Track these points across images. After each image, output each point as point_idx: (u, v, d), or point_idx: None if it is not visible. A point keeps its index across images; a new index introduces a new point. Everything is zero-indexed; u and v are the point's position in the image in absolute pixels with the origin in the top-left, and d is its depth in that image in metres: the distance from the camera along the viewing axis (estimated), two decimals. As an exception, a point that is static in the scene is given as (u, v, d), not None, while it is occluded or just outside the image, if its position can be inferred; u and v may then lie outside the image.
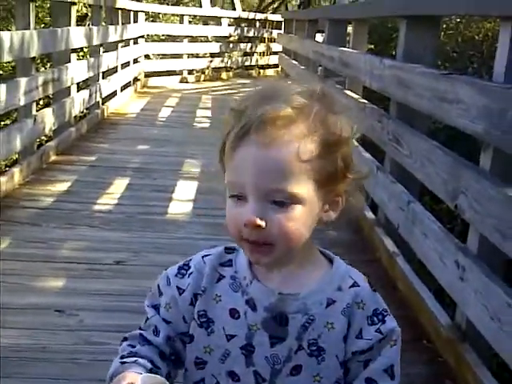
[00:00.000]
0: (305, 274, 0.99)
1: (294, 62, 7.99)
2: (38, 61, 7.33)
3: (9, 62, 6.98)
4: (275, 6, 17.67)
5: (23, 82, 4.31)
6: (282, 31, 11.44)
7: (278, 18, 13.43)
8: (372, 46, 7.09)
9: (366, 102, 4.03)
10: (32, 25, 4.55)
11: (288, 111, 0.90)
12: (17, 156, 4.93)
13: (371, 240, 3.49)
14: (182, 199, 4.22)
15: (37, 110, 4.79)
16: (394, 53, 6.96)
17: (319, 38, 7.85)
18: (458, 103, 2.33)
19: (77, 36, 5.67)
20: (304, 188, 0.91)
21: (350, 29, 6.45)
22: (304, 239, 0.96)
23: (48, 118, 4.92)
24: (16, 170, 4.24)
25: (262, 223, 0.91)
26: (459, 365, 2.26)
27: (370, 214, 3.69)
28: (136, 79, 9.42)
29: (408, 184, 3.12)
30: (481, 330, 2.08)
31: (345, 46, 5.05)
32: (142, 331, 1.02)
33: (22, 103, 4.29)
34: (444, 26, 6.47)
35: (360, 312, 0.97)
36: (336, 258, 1.03)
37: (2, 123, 7.37)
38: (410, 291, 2.78)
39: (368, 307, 0.98)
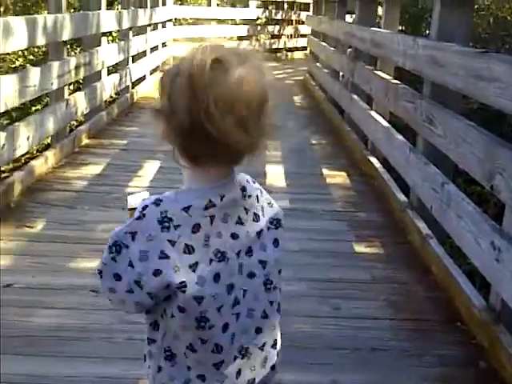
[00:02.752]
0: None
1: (323, 43, 7.92)
2: (68, 45, 7.39)
3: (38, 47, 7.04)
4: (303, -13, 17.48)
5: (56, 65, 4.35)
6: (310, 13, 11.34)
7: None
8: (402, 28, 7.01)
9: (398, 82, 3.99)
10: (64, 8, 4.59)
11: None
12: (49, 141, 4.99)
13: (403, 222, 3.47)
14: (213, 182, 4.24)
15: (68, 95, 4.84)
16: (424, 34, 6.87)
17: (348, 19, 7.77)
18: (494, 82, 2.29)
19: (107, 19, 5.70)
20: None
21: (380, 10, 6.38)
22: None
23: (80, 102, 4.97)
24: (49, 154, 4.30)
25: None
26: (493, 346, 2.24)
27: (401, 196, 3.67)
28: (164, 63, 9.43)
29: (441, 165, 3.09)
30: (517, 312, 2.06)
31: (375, 27, 4.99)
32: None
33: (54, 87, 4.34)
34: (475, 6, 6.37)
35: None
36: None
37: (34, 108, 7.45)
38: (443, 273, 2.76)
39: None
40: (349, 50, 5.94)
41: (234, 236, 1.09)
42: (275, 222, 1.16)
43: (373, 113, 4.64)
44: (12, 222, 3.29)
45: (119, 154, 4.88)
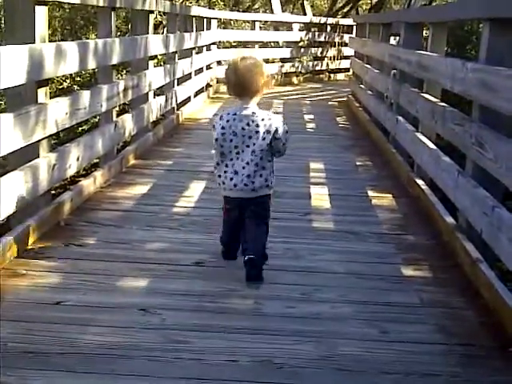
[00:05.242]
0: None
1: (367, 65, 7.93)
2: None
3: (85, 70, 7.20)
4: (345, 10, 17.58)
5: (105, 88, 4.45)
6: (353, 35, 11.37)
7: (349, 22, 13.37)
8: (447, 49, 6.97)
9: (445, 105, 3.97)
10: (113, 33, 4.70)
11: None
12: (95, 160, 5.07)
13: (451, 245, 3.43)
14: (258, 203, 4.25)
15: (116, 116, 4.93)
16: (470, 55, 6.81)
17: (392, 41, 7.76)
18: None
19: (155, 43, 5.82)
20: None
21: (425, 32, 6.35)
22: None
23: (128, 124, 5.06)
24: (98, 174, 4.38)
25: None
26: (549, 375, 2.18)
27: (449, 219, 3.62)
28: (208, 85, 9.57)
29: (491, 189, 3.05)
30: None
31: (421, 50, 4.97)
32: None
33: (103, 109, 4.43)
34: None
35: None
36: None
37: (80, 129, 7.61)
38: (494, 298, 2.71)
39: None
40: (393, 71, 5.92)
41: (243, 128, 2.90)
42: (267, 131, 2.91)
43: (419, 135, 4.61)
44: (61, 240, 3.36)
45: (165, 174, 4.95)
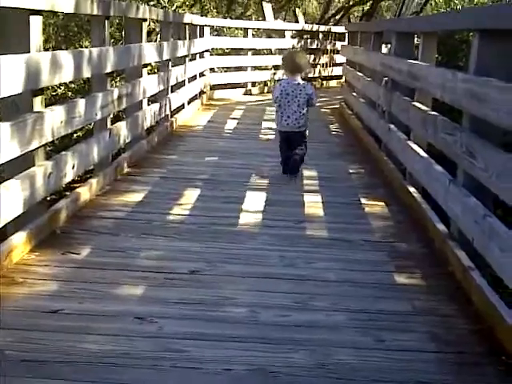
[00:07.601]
0: None
1: (358, 73, 7.99)
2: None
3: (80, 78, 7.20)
4: (337, 17, 17.67)
5: (100, 96, 4.47)
6: (345, 43, 11.44)
7: (341, 29, 13.43)
8: (438, 57, 7.02)
9: (437, 114, 4.02)
10: (107, 41, 4.72)
11: None
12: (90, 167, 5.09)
13: (443, 253, 3.47)
14: (252, 210, 4.29)
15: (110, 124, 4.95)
16: (461, 64, 6.86)
17: (383, 49, 7.82)
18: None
19: (148, 51, 5.85)
20: None
21: (416, 40, 6.41)
22: None
23: (122, 131, 5.09)
24: (93, 181, 4.40)
25: None
26: (539, 381, 2.22)
27: (441, 227, 3.67)
28: (202, 92, 9.60)
29: (481, 197, 3.09)
30: None
31: (412, 59, 5.02)
32: None
33: (98, 117, 4.46)
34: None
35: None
36: None
37: (75, 135, 7.62)
38: (486, 305, 2.75)
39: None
40: (384, 78, 5.97)
41: (292, 91, 5.20)
42: (306, 93, 5.22)
43: (411, 143, 4.65)
44: (58, 248, 3.38)
45: (160, 182, 4.98)
